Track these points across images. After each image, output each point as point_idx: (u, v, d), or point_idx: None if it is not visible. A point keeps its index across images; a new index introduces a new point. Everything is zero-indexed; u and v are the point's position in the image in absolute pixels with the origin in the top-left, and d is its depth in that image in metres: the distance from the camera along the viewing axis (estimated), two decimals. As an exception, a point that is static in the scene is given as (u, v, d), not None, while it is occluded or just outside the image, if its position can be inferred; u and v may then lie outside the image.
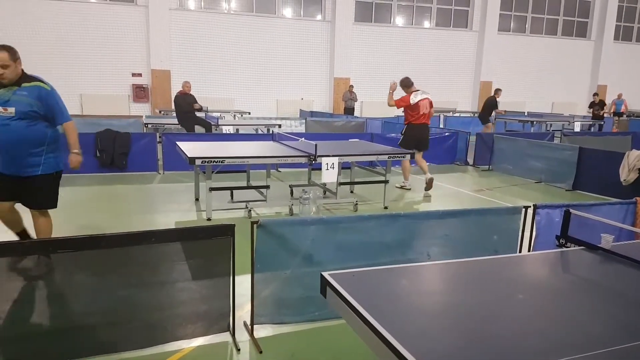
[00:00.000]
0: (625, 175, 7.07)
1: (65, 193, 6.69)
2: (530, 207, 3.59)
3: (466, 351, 1.51)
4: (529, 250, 3.60)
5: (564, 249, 2.54)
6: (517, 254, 3.41)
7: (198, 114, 10.38)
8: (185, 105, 10.05)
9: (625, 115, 18.79)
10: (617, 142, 10.72)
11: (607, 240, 2.39)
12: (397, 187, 7.49)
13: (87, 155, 7.90)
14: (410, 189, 7.53)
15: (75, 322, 2.65)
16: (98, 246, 2.61)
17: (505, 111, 15.62)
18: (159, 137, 8.77)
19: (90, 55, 16.87)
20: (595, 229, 2.78)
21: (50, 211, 4.05)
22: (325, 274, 1.97)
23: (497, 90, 14.22)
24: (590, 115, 16.42)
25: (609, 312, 1.81)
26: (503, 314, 1.77)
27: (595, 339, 1.60)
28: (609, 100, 17.36)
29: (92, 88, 16.69)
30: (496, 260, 2.39)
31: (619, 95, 19.31)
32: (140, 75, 17.49)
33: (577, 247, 2.51)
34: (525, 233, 3.64)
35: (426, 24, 21.83)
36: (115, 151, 8.08)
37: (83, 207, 6.00)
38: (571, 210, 2.66)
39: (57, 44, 16.56)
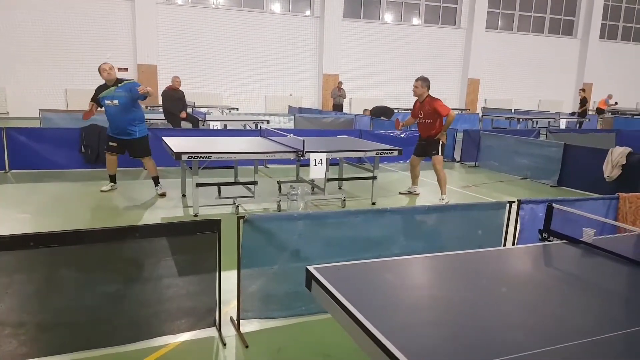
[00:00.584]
0: (609, 171, 7.18)
1: (50, 189, 6.64)
2: (514, 202, 3.63)
3: (450, 344, 1.52)
4: (513, 245, 3.64)
5: (547, 242, 2.57)
6: (500, 247, 3.45)
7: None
8: (172, 104, 9.92)
9: (608, 113, 19.08)
10: (601, 139, 10.87)
11: (588, 234, 2.43)
12: (443, 200, 6.54)
13: (72, 151, 7.84)
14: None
15: (59, 317, 2.63)
16: (81, 241, 2.58)
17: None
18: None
19: (75, 50, 16.65)
20: (579, 223, 2.82)
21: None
22: (310, 268, 1.97)
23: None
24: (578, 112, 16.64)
25: (590, 303, 1.85)
26: (486, 307, 1.80)
27: (577, 329, 1.63)
28: (596, 98, 17.62)
29: (77, 83, 16.47)
30: (479, 254, 2.41)
31: (609, 96, 19.73)
32: (126, 70, 17.30)
33: (559, 241, 2.54)
34: (509, 228, 3.68)
35: (415, 20, 21.91)
36: (101, 147, 7.97)
37: (68, 203, 5.94)
38: (554, 205, 2.70)
39: (43, 38, 16.31)
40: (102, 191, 6.47)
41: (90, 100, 6.23)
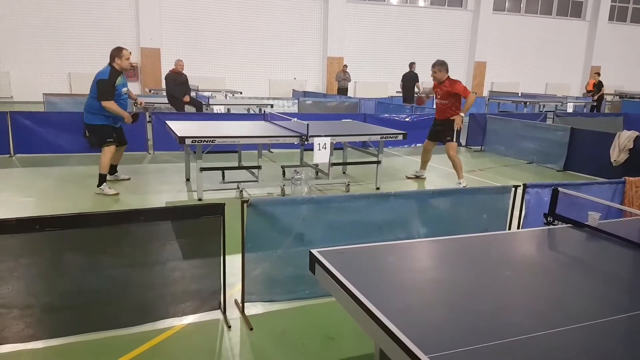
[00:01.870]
0: (616, 155, 7.12)
1: (54, 173, 6.66)
2: (519, 186, 3.61)
3: (453, 326, 1.52)
4: (518, 229, 3.63)
5: (552, 226, 2.56)
6: (505, 231, 3.44)
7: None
8: (176, 88, 9.89)
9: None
10: (609, 123, 10.76)
11: (593, 218, 2.42)
12: (460, 185, 6.44)
13: (76, 135, 7.83)
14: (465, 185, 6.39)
15: (65, 300, 2.66)
16: (87, 224, 2.60)
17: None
18: (149, 116, 8.67)
19: (78, 34, 16.56)
20: (585, 208, 2.80)
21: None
22: (314, 251, 1.97)
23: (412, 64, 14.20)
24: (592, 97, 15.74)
25: (594, 287, 1.84)
26: (490, 290, 1.80)
27: (580, 313, 1.62)
28: (605, 82, 16.69)
29: (81, 67, 16.42)
30: (484, 238, 2.40)
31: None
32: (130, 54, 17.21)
33: (564, 225, 2.53)
34: (515, 212, 3.67)
35: (421, 2, 21.59)
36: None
37: (72, 188, 5.96)
38: (559, 189, 2.68)
39: (45, 22, 16.22)
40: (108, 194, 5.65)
41: (111, 97, 5.54)
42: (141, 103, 7.05)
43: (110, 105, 5.52)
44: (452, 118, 6.44)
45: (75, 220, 2.57)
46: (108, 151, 5.67)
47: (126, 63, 5.74)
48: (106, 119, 5.67)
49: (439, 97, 6.54)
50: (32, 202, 5.31)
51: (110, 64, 5.68)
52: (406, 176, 7.08)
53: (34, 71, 16.29)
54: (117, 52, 5.68)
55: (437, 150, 7.13)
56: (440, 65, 6.47)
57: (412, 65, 14.29)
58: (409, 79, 14.07)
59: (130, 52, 5.87)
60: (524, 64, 23.60)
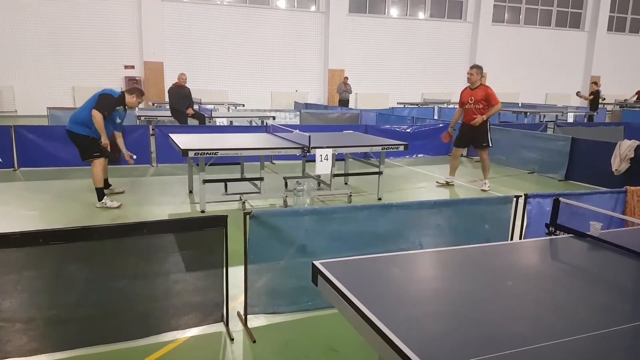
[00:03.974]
0: (617, 165, 7.12)
1: (58, 186, 6.70)
2: (521, 196, 3.62)
3: (457, 337, 1.53)
4: (520, 239, 3.63)
5: (553, 236, 2.56)
6: (507, 241, 3.44)
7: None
8: (179, 101, 9.96)
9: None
10: (609, 132, 10.78)
11: (595, 228, 2.42)
12: (486, 185, 7.02)
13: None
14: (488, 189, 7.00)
15: (69, 313, 2.66)
16: (91, 238, 2.61)
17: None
18: (152, 129, 8.72)
19: (82, 48, 16.74)
20: (587, 217, 2.80)
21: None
22: (317, 263, 1.98)
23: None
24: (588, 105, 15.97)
25: (596, 297, 1.84)
26: (492, 301, 1.80)
27: (583, 323, 1.62)
28: (604, 92, 16.85)
29: (85, 80, 16.58)
30: (486, 248, 2.41)
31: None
32: (132, 67, 17.38)
33: (566, 235, 2.53)
34: (516, 222, 3.67)
35: (421, 14, 21.78)
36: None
37: (75, 201, 5.99)
38: (560, 198, 2.69)
39: (49, 36, 16.41)
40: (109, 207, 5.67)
41: (105, 114, 5.58)
42: (130, 157, 6.27)
43: (99, 118, 5.51)
44: (473, 122, 6.70)
45: (78, 234, 2.58)
46: (97, 164, 5.68)
47: (136, 104, 5.97)
48: (89, 131, 5.62)
49: (472, 102, 6.73)
50: (35, 215, 5.33)
51: (123, 92, 5.83)
52: (436, 182, 7.32)
53: (38, 85, 16.44)
54: (138, 93, 5.88)
55: (438, 161, 7.16)
56: (477, 69, 6.76)
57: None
58: None
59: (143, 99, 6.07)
60: (524, 75, 23.71)
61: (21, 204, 5.80)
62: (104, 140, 5.72)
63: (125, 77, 17.23)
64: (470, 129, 6.86)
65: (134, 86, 5.81)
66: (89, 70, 16.45)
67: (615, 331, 1.58)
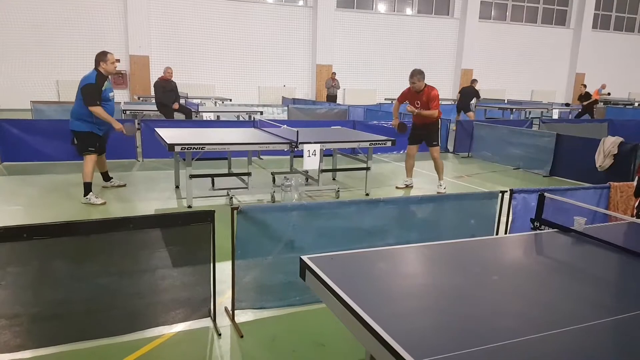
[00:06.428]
0: (601, 161, 7.24)
1: (42, 181, 6.60)
2: (507, 192, 3.66)
3: (443, 331, 1.54)
4: (505, 234, 3.68)
5: (539, 231, 2.60)
6: (492, 236, 3.48)
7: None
8: (165, 95, 9.85)
9: (600, 103, 18.84)
10: (594, 129, 10.94)
11: (579, 223, 2.46)
12: (441, 186, 6.83)
13: (64, 143, 7.74)
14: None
15: (54, 309, 2.63)
16: (75, 233, 2.58)
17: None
18: (138, 123, 8.62)
19: (66, 41, 16.45)
20: (571, 212, 2.85)
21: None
22: (304, 258, 1.98)
23: (474, 81, 14.36)
24: (581, 108, 15.78)
25: (580, 291, 1.87)
26: (478, 295, 1.82)
27: (567, 316, 1.65)
28: (588, 88, 17.12)
29: (69, 74, 16.27)
30: (472, 243, 2.43)
31: (603, 86, 19.64)
32: (118, 61, 17.06)
33: (551, 230, 2.57)
34: (502, 217, 3.71)
35: (408, 10, 21.83)
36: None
37: (60, 196, 5.90)
38: (545, 194, 2.72)
39: (33, 29, 16.10)
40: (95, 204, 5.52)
41: (98, 103, 5.44)
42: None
43: (98, 110, 5.44)
44: (417, 112, 6.57)
45: (63, 229, 2.55)
46: (90, 160, 5.58)
47: (112, 67, 5.63)
48: (93, 126, 5.57)
49: (418, 106, 6.60)
50: (19, 211, 5.25)
51: (95, 69, 5.56)
52: (396, 187, 7.10)
53: (22, 78, 16.14)
54: (102, 56, 5.55)
55: (425, 157, 7.18)
56: (419, 75, 6.56)
57: (474, 82, 14.29)
58: (468, 94, 14.03)
59: (115, 57, 5.72)
60: (510, 71, 23.93)
61: (5, 199, 5.71)
62: (117, 126, 5.70)
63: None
64: (421, 127, 6.81)
65: (96, 55, 5.61)
66: (73, 64, 16.14)
67: (600, 324, 1.61)
